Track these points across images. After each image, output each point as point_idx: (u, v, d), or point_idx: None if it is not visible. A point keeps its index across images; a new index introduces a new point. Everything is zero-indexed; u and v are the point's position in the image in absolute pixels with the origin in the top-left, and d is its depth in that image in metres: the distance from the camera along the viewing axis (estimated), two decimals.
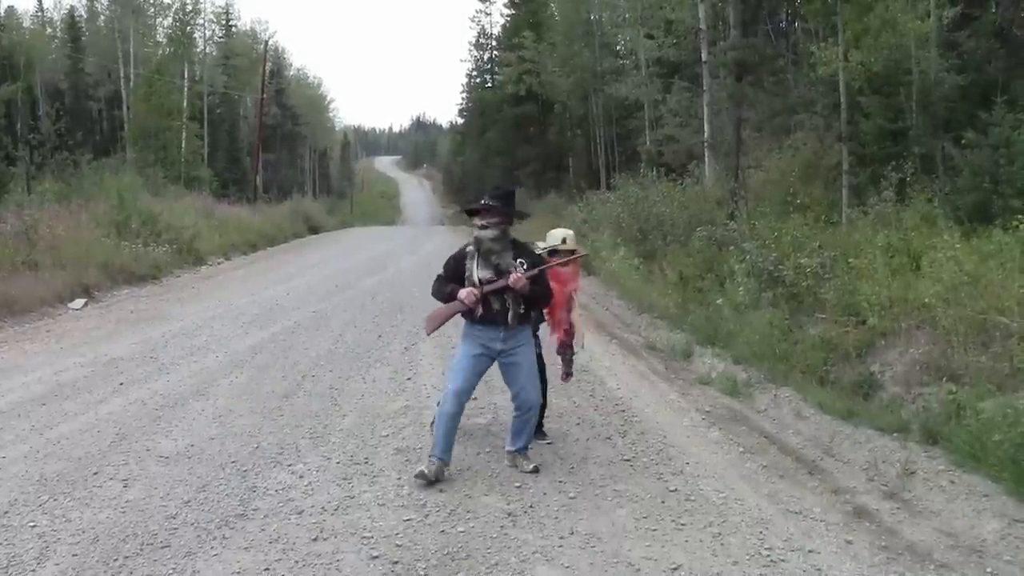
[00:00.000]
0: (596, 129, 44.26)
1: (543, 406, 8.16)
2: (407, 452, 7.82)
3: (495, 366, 7.48)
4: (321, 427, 8.62)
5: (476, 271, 7.14)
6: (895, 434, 7.99)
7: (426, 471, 7.00)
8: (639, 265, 18.71)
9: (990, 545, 5.90)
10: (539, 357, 8.02)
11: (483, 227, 7.14)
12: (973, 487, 6.73)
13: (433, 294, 7.43)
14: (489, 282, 7.09)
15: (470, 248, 7.26)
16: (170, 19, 58.24)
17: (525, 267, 7.12)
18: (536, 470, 7.31)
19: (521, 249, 7.33)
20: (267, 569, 5.45)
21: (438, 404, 7.62)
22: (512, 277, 6.98)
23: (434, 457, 7.12)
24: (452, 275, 7.31)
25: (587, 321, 15.30)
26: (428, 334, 7.92)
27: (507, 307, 7.14)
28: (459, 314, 7.31)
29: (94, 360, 11.65)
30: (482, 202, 7.24)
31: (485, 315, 7.16)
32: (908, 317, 9.69)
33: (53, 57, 57.85)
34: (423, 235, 42.73)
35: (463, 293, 7.09)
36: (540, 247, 8.37)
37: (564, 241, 8.29)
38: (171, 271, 22.34)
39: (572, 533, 6.01)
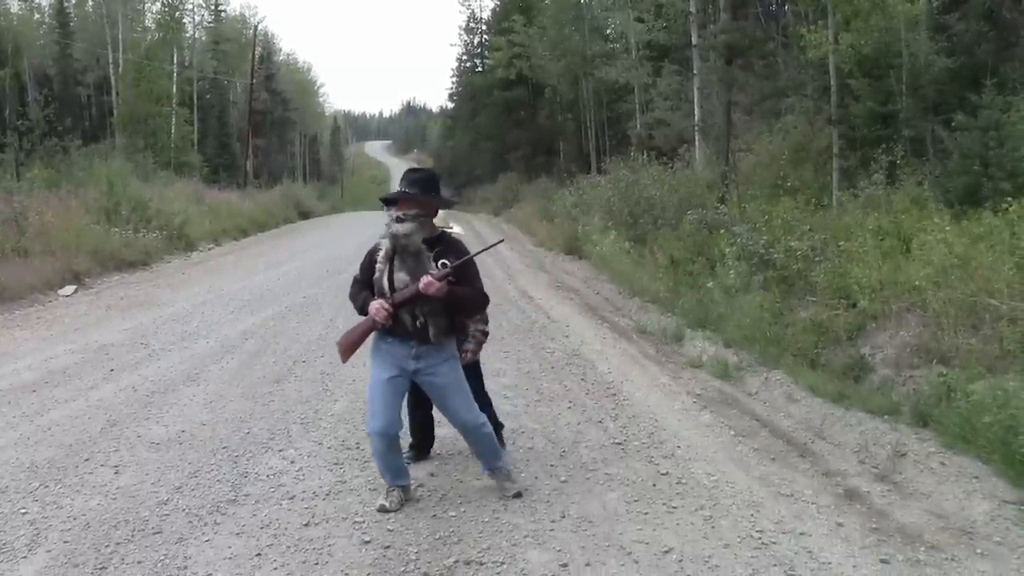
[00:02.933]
0: (586, 113, 44.20)
1: (422, 428, 7.34)
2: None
3: None
4: (312, 412, 8.62)
5: (386, 275, 6.02)
6: (886, 416, 7.99)
7: (387, 504, 6.19)
8: (630, 249, 18.70)
9: (980, 526, 5.91)
10: (475, 364, 7.16)
11: (398, 219, 5.97)
12: (963, 469, 6.75)
13: (351, 299, 6.37)
14: (403, 289, 5.96)
15: (384, 244, 6.10)
16: (159, 4, 58.21)
17: (447, 267, 5.98)
18: (519, 495, 6.37)
19: (447, 246, 6.21)
20: (259, 554, 5.45)
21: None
22: (423, 281, 5.79)
23: (391, 486, 6.30)
24: (366, 277, 6.20)
25: (578, 305, 15.35)
26: (344, 361, 6.52)
27: (422, 321, 5.99)
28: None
29: (84, 347, 11.63)
30: (399, 189, 6.14)
31: (395, 329, 6.06)
32: (898, 300, 9.70)
33: (41, 43, 57.80)
34: None
35: (372, 308, 5.96)
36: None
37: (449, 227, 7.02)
38: (161, 257, 22.33)
39: (563, 517, 6.02)
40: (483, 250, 6.84)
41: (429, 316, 6.01)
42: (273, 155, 75.15)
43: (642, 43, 35.13)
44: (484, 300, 6.41)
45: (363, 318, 6.21)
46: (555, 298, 16.22)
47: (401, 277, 5.97)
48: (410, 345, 6.09)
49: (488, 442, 6.46)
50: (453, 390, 6.24)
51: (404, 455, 6.81)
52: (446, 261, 6.03)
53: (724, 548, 5.52)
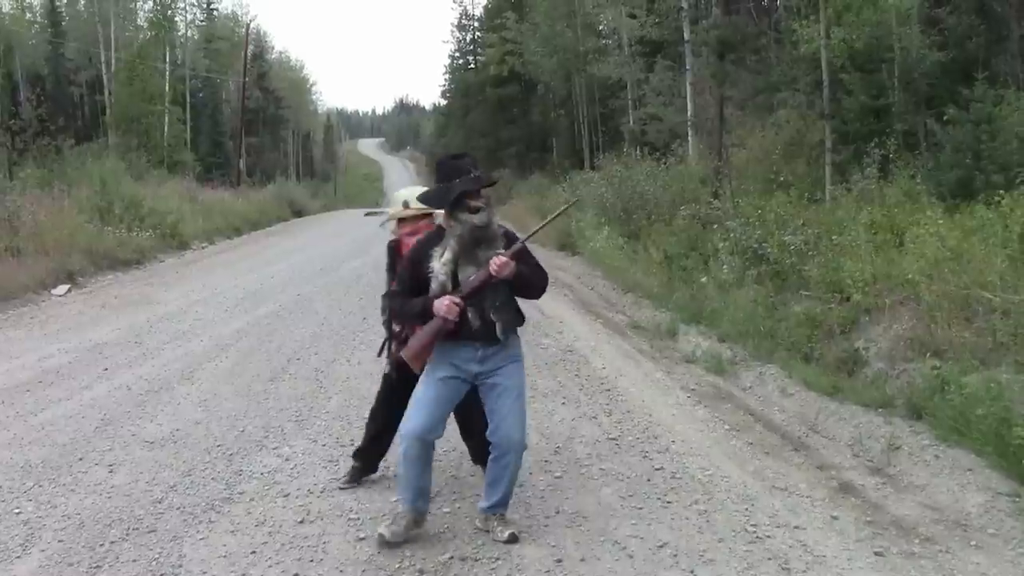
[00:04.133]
0: (579, 109, 44.12)
1: (377, 438, 6.63)
2: None
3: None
4: (307, 410, 8.61)
5: (443, 272, 5.35)
6: (880, 410, 8.01)
7: (387, 534, 5.47)
8: (623, 244, 18.71)
9: (974, 519, 5.93)
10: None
11: (478, 208, 5.33)
12: (957, 461, 6.76)
13: (398, 316, 5.96)
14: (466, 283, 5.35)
15: (447, 244, 5.37)
16: (151, 3, 58.21)
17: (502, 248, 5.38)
18: (514, 539, 5.53)
19: (504, 231, 5.57)
20: (254, 552, 5.45)
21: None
22: (496, 263, 5.19)
23: (404, 504, 5.59)
24: (412, 285, 5.51)
25: (572, 301, 15.35)
26: (419, 371, 5.62)
27: (487, 316, 5.37)
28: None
29: (78, 346, 11.62)
30: (472, 175, 5.40)
31: (458, 331, 5.38)
32: (892, 293, 9.72)
33: (33, 42, 57.61)
34: None
35: (442, 306, 5.25)
36: (383, 215, 7.10)
37: (406, 205, 6.41)
38: (155, 256, 22.28)
39: (558, 512, 6.02)
40: (554, 217, 6.90)
41: (497, 309, 5.40)
42: (266, 153, 75.02)
43: (634, 39, 35.09)
44: (546, 277, 5.75)
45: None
46: (549, 294, 16.04)
47: (468, 272, 5.34)
48: (475, 347, 5.44)
49: (510, 477, 5.60)
50: (514, 396, 5.52)
51: (343, 479, 6.64)
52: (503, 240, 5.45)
53: (719, 542, 5.53)
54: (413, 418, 5.52)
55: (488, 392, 5.54)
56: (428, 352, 5.52)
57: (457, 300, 5.27)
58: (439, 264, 5.36)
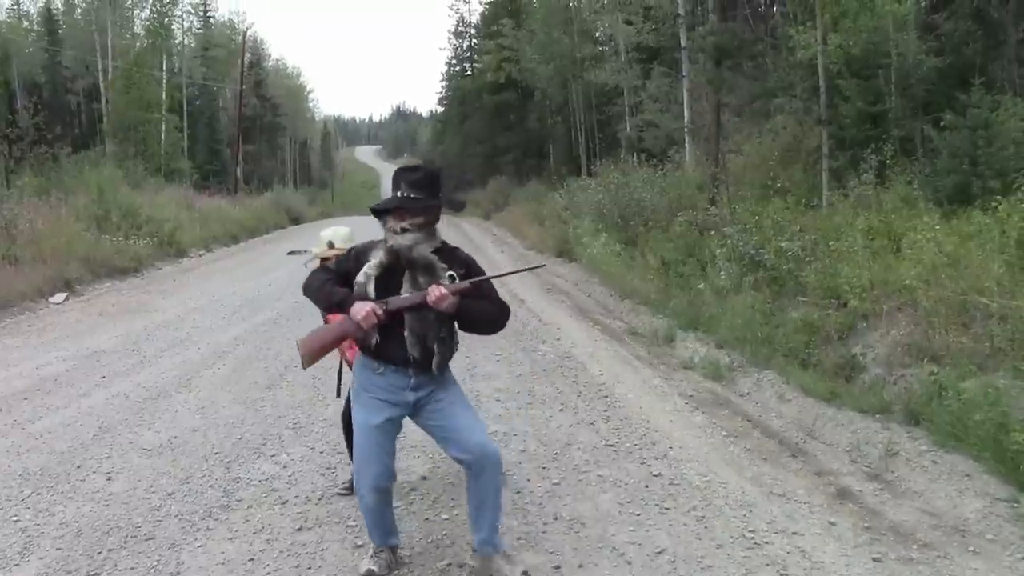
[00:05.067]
0: (576, 116, 44.10)
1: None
2: None
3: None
4: (304, 417, 8.62)
5: (372, 284, 4.90)
6: (877, 416, 8.01)
7: (375, 568, 5.22)
8: (620, 251, 18.71)
9: (972, 524, 5.93)
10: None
11: (399, 231, 4.91)
12: (955, 467, 6.77)
13: (310, 291, 5.12)
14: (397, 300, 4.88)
15: (378, 253, 4.98)
16: (147, 10, 58.19)
17: (455, 280, 4.91)
18: None
19: (450, 257, 5.06)
20: (252, 559, 5.45)
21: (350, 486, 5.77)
22: (435, 292, 4.74)
23: (377, 543, 5.31)
24: (344, 273, 5.05)
25: (569, 307, 15.35)
26: (306, 367, 5.32)
27: (428, 345, 4.91)
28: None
29: (76, 354, 11.62)
30: (398, 194, 4.95)
31: (386, 350, 4.93)
32: (889, 299, 9.72)
33: (30, 51, 57.62)
34: None
35: (361, 311, 4.78)
36: (307, 254, 6.87)
37: (331, 245, 6.53)
38: (152, 264, 22.30)
39: (556, 519, 6.02)
40: (518, 271, 6.75)
41: (441, 340, 4.96)
42: (263, 161, 75.00)
43: (631, 45, 35.09)
44: (504, 316, 5.12)
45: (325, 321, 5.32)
46: (546, 301, 16.23)
47: (407, 291, 4.89)
48: (407, 374, 4.96)
49: (496, 495, 5.09)
50: (461, 407, 5.10)
51: (341, 486, 6.61)
52: (453, 273, 4.92)
53: (717, 548, 5.53)
54: (363, 474, 5.06)
55: (432, 415, 5.06)
56: (324, 352, 5.20)
57: (379, 311, 4.79)
58: (367, 266, 4.95)
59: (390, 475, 5.12)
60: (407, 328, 4.89)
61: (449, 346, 5.04)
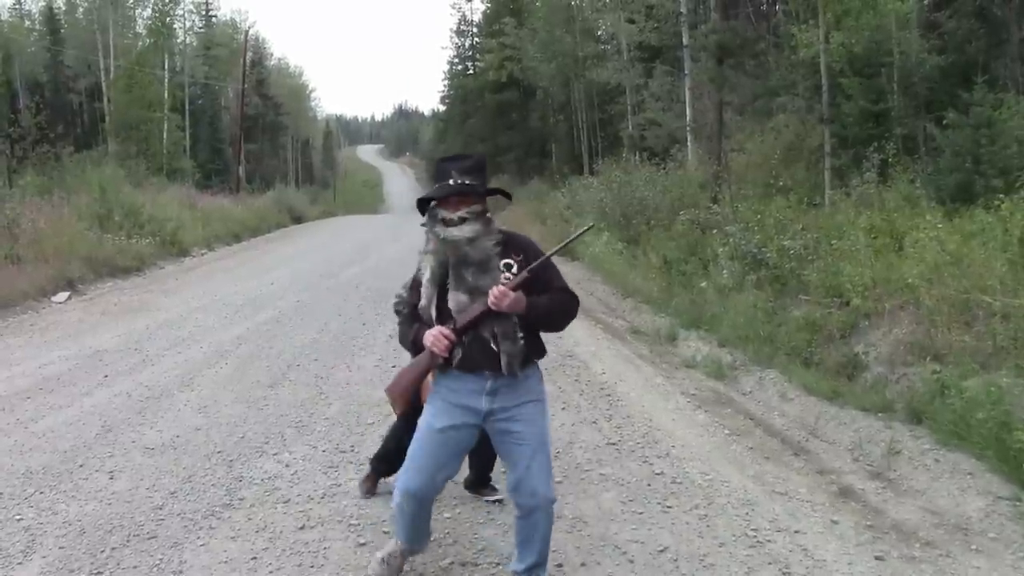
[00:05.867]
0: (578, 114, 44.14)
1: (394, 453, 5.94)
2: None
3: None
4: (307, 416, 8.61)
5: (434, 302, 4.60)
6: (880, 414, 8.01)
7: (381, 569, 4.98)
8: (623, 250, 18.72)
9: (975, 523, 5.93)
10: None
11: (457, 221, 4.49)
12: (957, 465, 6.76)
13: (403, 343, 5.01)
14: (462, 312, 4.52)
15: (426, 263, 4.66)
16: (149, 10, 58.21)
17: (515, 270, 4.53)
18: None
19: (512, 243, 4.66)
20: (254, 558, 5.45)
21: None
22: (493, 293, 4.36)
23: (401, 542, 5.00)
24: (414, 306, 4.77)
25: None
26: (399, 413, 5.42)
27: (495, 345, 4.52)
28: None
29: (78, 353, 11.61)
30: (451, 182, 4.53)
31: (463, 361, 4.58)
32: (891, 298, 9.72)
33: (32, 50, 57.71)
34: (406, 223, 42.64)
35: (429, 337, 4.52)
36: None
37: None
38: (155, 263, 22.25)
39: (558, 517, 5.98)
40: (571, 240, 5.73)
41: (503, 338, 4.51)
42: (265, 160, 75.02)
43: (633, 44, 35.11)
44: (574, 303, 4.75)
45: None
46: None
47: (459, 299, 4.52)
48: (484, 377, 4.57)
49: (544, 532, 4.77)
50: (536, 445, 4.64)
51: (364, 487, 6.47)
52: (510, 261, 4.55)
53: (719, 547, 5.53)
54: (408, 473, 4.74)
55: (502, 439, 4.70)
56: (414, 388, 4.85)
57: (447, 332, 4.48)
58: (423, 287, 4.65)
59: (434, 487, 4.75)
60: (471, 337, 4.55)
61: (516, 343, 4.53)
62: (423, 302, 4.63)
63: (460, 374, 4.61)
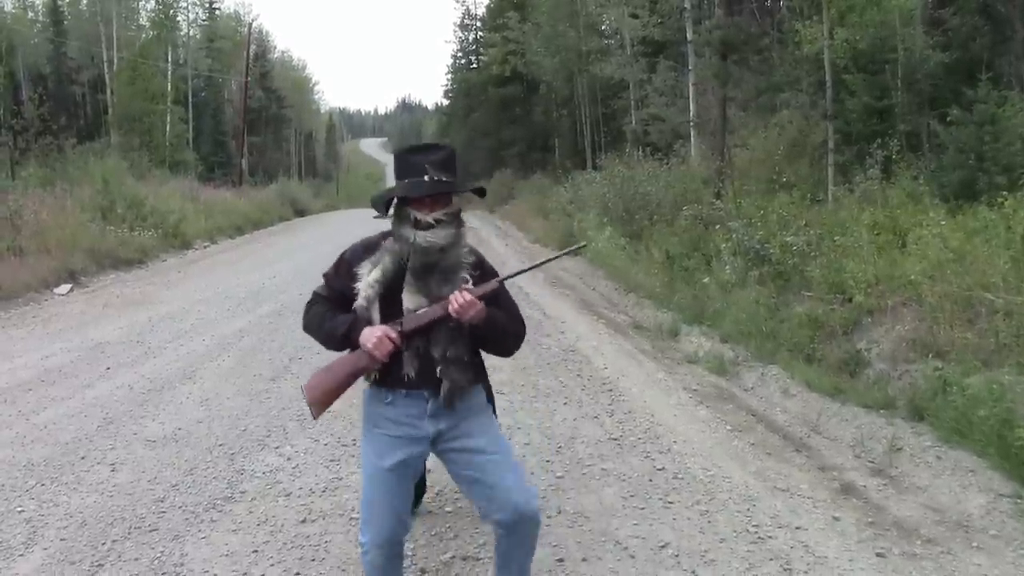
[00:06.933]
0: (581, 109, 44.05)
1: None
2: None
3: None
4: (308, 409, 8.59)
5: (377, 304, 3.97)
6: (882, 411, 8.00)
7: None
8: (625, 245, 18.69)
9: (976, 520, 5.93)
10: None
11: (428, 224, 3.89)
12: (959, 462, 6.75)
13: (308, 331, 4.24)
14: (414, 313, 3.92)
15: (383, 260, 3.98)
16: (153, 2, 58.29)
17: (470, 283, 3.95)
18: None
19: (475, 261, 4.11)
20: (255, 551, 5.45)
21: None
22: (456, 300, 3.80)
23: None
24: (339, 294, 4.12)
25: (574, 301, 15.34)
26: (316, 417, 4.25)
27: (436, 364, 3.96)
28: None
29: (80, 345, 11.63)
30: (424, 178, 3.88)
31: (391, 374, 4.00)
32: (894, 294, 9.70)
33: (35, 41, 57.65)
34: None
35: (371, 338, 3.86)
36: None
37: None
38: (157, 255, 22.32)
39: (560, 512, 6.02)
40: (546, 261, 4.75)
41: (448, 362, 3.96)
42: (268, 153, 75.10)
43: (637, 39, 35.03)
44: (522, 328, 4.26)
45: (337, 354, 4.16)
46: (551, 294, 16.21)
47: (416, 301, 3.93)
48: (422, 398, 4.02)
49: (527, 550, 4.29)
50: (502, 452, 4.17)
51: None
52: (467, 275, 3.98)
53: (720, 543, 5.53)
54: (372, 525, 4.08)
55: (458, 459, 4.13)
56: (337, 395, 4.12)
57: (393, 335, 3.86)
58: (364, 282, 3.98)
59: (403, 527, 4.17)
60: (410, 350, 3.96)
61: (462, 371, 4.01)
62: (361, 301, 3.95)
63: (395, 399, 4.06)
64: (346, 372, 4.03)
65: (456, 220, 3.97)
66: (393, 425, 4.06)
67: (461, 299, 3.79)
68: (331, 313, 4.09)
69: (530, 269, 4.55)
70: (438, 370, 3.94)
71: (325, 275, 4.28)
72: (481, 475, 4.06)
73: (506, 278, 4.07)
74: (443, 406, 3.98)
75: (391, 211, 4.01)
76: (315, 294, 4.25)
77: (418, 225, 3.87)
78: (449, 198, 3.97)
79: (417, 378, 3.96)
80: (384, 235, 4.09)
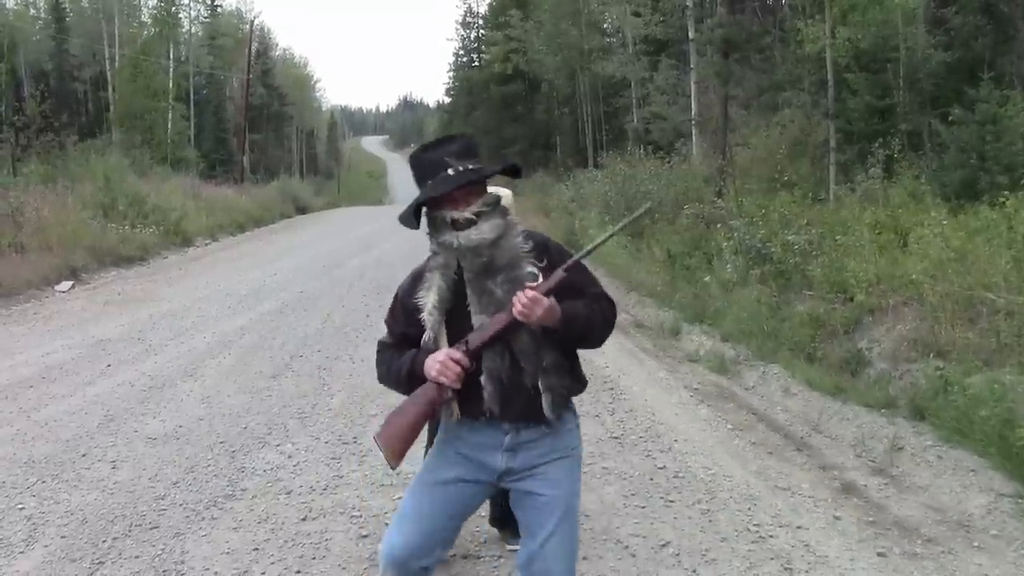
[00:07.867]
0: (583, 107, 44.13)
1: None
2: None
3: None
4: (309, 407, 8.61)
5: (443, 331, 3.46)
6: (883, 410, 8.00)
7: None
8: (627, 243, 18.69)
9: (977, 520, 5.92)
10: None
11: (470, 220, 3.34)
12: (960, 462, 6.75)
13: (385, 382, 3.71)
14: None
15: (431, 281, 3.46)
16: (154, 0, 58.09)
17: (539, 276, 3.38)
18: None
19: (534, 242, 3.51)
20: (256, 549, 5.45)
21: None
22: (519, 301, 3.23)
23: None
24: (401, 335, 3.61)
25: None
26: (395, 468, 3.55)
27: (524, 382, 3.40)
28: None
29: (82, 342, 11.63)
30: (448, 172, 3.33)
31: (467, 405, 3.46)
32: (895, 294, 9.71)
33: (37, 39, 57.54)
34: None
35: (433, 366, 3.33)
36: None
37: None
38: (158, 252, 22.29)
39: None
40: (626, 223, 4.48)
41: (546, 371, 3.43)
42: (270, 150, 74.99)
43: (639, 37, 35.07)
44: (614, 312, 3.67)
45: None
46: None
47: (485, 314, 3.39)
48: (501, 429, 3.48)
49: None
50: (560, 514, 3.51)
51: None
52: (533, 270, 3.41)
53: (721, 542, 5.52)
54: (392, 535, 3.58)
55: (521, 500, 3.60)
56: (412, 440, 3.49)
57: (457, 356, 3.33)
58: (426, 312, 3.45)
59: (428, 551, 3.57)
60: (483, 370, 3.41)
61: (562, 377, 3.49)
62: (428, 333, 3.44)
63: (473, 426, 3.51)
64: (417, 409, 3.44)
65: (499, 208, 3.44)
66: (466, 445, 3.56)
67: (523, 298, 3.23)
68: (396, 355, 3.57)
69: (604, 241, 3.89)
70: (531, 384, 3.41)
71: (385, 322, 3.75)
72: (531, 523, 3.56)
73: (574, 261, 3.47)
74: (549, 418, 3.44)
75: (423, 222, 3.46)
76: (380, 343, 3.74)
77: (457, 226, 3.35)
78: (483, 186, 3.51)
79: (499, 404, 3.40)
80: (430, 257, 3.54)
